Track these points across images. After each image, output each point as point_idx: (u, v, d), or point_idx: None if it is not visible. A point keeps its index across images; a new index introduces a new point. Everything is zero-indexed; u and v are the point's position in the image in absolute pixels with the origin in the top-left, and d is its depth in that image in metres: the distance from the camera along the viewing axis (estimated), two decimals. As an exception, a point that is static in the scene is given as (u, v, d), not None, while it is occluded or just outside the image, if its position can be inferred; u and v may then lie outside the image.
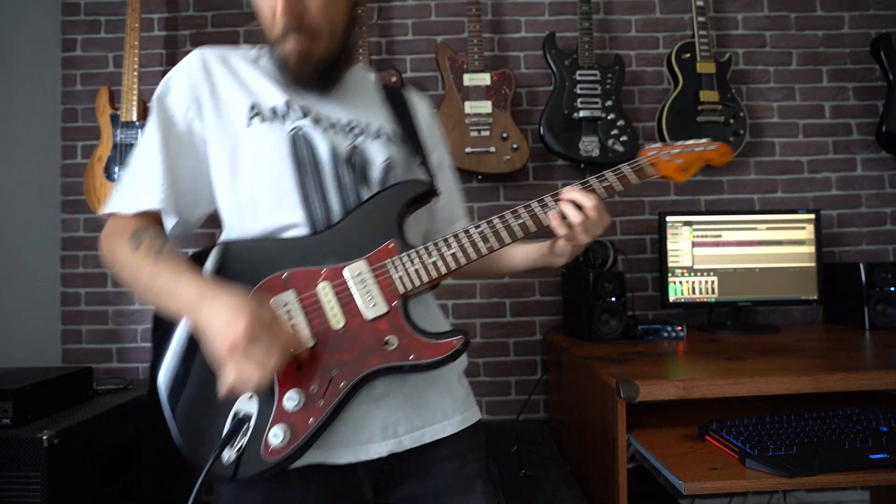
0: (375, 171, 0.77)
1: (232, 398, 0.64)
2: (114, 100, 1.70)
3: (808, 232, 1.63)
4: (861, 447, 0.95)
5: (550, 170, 1.83)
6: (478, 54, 1.68)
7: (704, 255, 1.62)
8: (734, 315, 1.64)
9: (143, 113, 1.70)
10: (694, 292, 1.62)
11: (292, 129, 0.74)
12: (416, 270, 0.71)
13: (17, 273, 1.61)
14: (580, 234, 0.77)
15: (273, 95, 0.76)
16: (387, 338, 0.68)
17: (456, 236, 0.74)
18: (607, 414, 1.10)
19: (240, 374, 0.57)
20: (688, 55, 1.73)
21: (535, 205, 0.76)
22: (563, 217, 0.76)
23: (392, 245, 0.72)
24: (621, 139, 1.68)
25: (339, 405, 0.65)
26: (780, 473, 0.90)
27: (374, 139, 0.80)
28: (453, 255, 0.73)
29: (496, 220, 0.75)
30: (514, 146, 1.66)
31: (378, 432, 0.71)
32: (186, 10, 1.84)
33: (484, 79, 1.68)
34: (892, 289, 1.56)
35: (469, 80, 1.67)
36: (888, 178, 1.84)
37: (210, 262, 0.69)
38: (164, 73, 1.80)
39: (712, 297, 1.62)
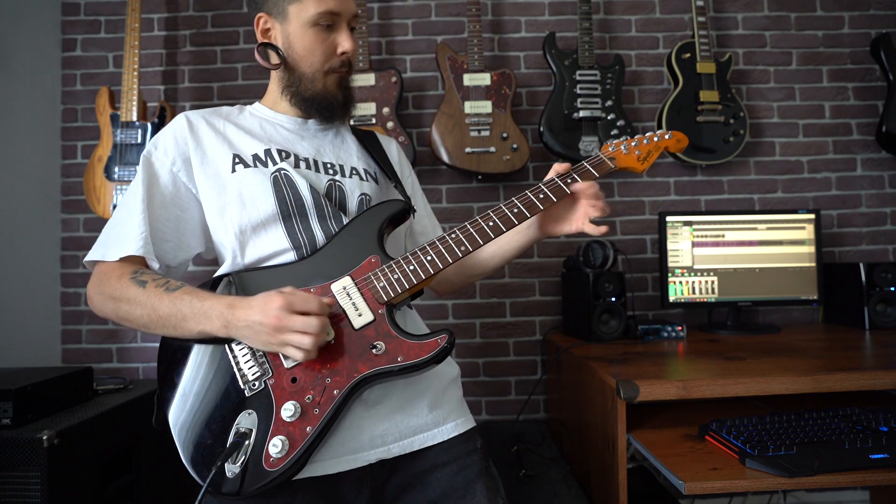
0: (352, 205, 0.85)
1: (233, 417, 0.68)
2: (114, 100, 1.70)
3: (808, 232, 1.63)
4: (861, 447, 0.95)
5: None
6: (478, 54, 1.68)
7: (704, 255, 1.62)
8: (734, 315, 1.64)
9: (143, 113, 1.70)
10: (694, 292, 1.62)
11: (274, 171, 0.81)
12: (398, 279, 0.75)
13: (17, 273, 1.61)
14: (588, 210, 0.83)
15: (252, 146, 0.83)
16: (374, 343, 0.71)
17: (432, 244, 0.78)
18: (607, 414, 1.10)
19: (295, 343, 0.64)
20: (688, 55, 1.73)
21: (503, 207, 0.81)
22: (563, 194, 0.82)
23: (374, 259, 0.77)
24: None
25: (334, 413, 0.68)
26: (780, 473, 0.90)
27: (350, 177, 0.88)
28: (430, 260, 0.76)
29: (468, 225, 0.79)
30: (514, 146, 1.66)
31: (366, 442, 0.74)
32: (186, 10, 1.84)
33: (484, 79, 1.68)
34: (892, 289, 1.56)
35: (469, 80, 1.67)
36: (888, 178, 1.84)
37: (217, 291, 0.76)
38: (164, 72, 1.83)
39: (712, 297, 1.62)
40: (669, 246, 1.62)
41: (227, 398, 0.70)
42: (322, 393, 0.68)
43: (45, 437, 1.06)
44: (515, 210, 0.80)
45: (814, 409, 1.11)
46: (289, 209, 0.79)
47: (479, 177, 1.74)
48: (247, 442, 0.66)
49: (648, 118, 1.82)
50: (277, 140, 0.86)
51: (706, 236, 1.63)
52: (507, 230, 0.79)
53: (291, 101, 0.88)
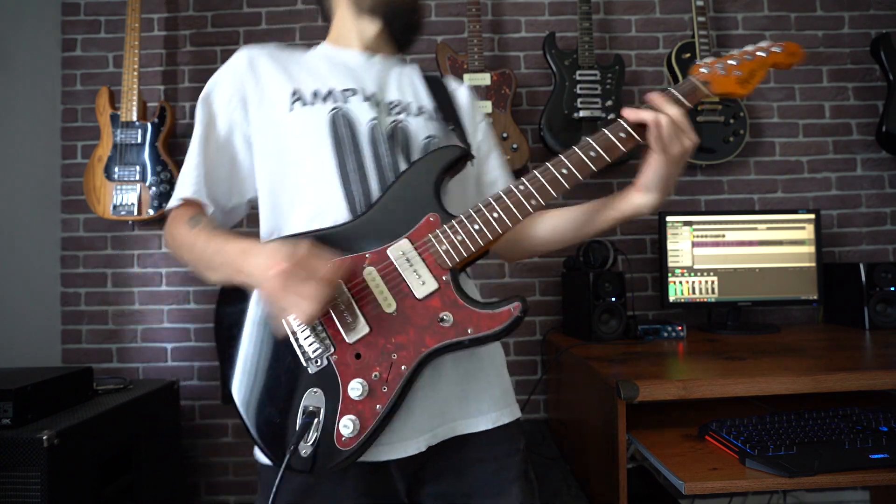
0: (417, 148, 0.78)
1: (300, 395, 0.65)
2: (114, 100, 1.70)
3: (807, 232, 1.63)
4: (861, 447, 0.95)
5: (550, 170, 1.83)
6: (478, 54, 1.68)
7: (704, 255, 1.62)
8: (734, 315, 1.64)
9: (143, 113, 1.70)
10: (694, 292, 1.62)
11: (333, 109, 0.76)
12: (462, 241, 0.68)
13: (17, 273, 1.61)
14: (671, 143, 0.69)
15: (313, 82, 0.78)
16: (441, 315, 0.66)
17: (498, 198, 0.70)
18: (607, 414, 1.10)
19: (289, 303, 0.60)
20: (688, 55, 1.73)
21: (578, 150, 0.70)
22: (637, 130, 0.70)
23: (433, 218, 0.69)
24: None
25: (403, 389, 0.65)
26: (780, 473, 0.90)
27: (416, 116, 0.81)
28: (497, 218, 0.69)
29: (538, 174, 0.70)
30: (514, 146, 1.66)
31: (417, 428, 0.70)
32: (186, 10, 1.84)
33: (484, 79, 1.67)
34: (892, 289, 1.56)
35: (469, 80, 1.67)
36: (888, 178, 1.84)
37: None
38: (165, 73, 1.83)
39: (712, 297, 1.62)
40: (669, 246, 1.62)
41: (291, 376, 0.67)
42: (389, 369, 0.64)
43: (45, 437, 1.06)
44: (593, 154, 0.69)
45: (814, 409, 1.11)
46: (344, 155, 0.74)
47: (479, 177, 1.74)
48: (316, 420, 0.64)
49: (648, 118, 1.82)
50: (341, 76, 0.80)
51: (706, 236, 1.63)
52: (583, 177, 0.69)
53: (367, 9, 0.82)
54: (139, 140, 1.67)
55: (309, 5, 1.84)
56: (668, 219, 1.62)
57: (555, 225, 0.86)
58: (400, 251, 0.68)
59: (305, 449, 0.63)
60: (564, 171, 0.70)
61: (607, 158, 0.70)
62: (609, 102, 1.68)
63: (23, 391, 1.13)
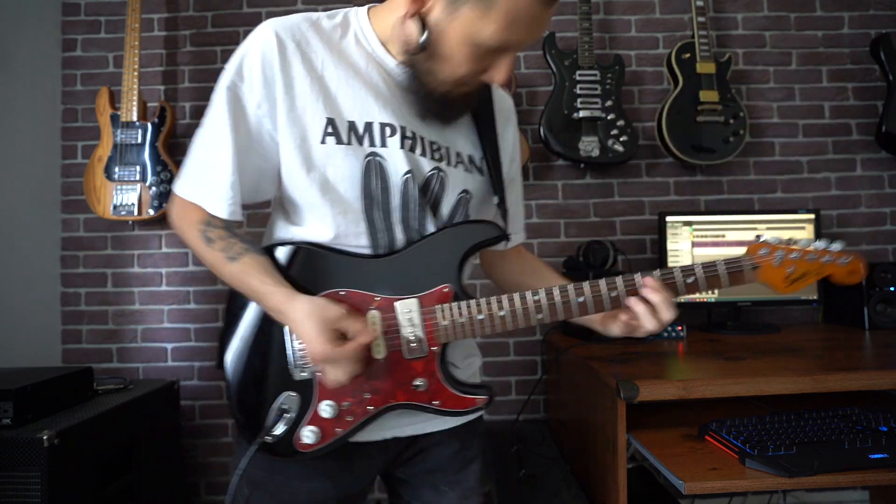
0: (448, 204, 0.75)
1: (278, 392, 0.71)
2: (114, 100, 1.70)
3: (807, 232, 1.63)
4: (861, 447, 0.95)
5: (550, 170, 1.83)
6: (478, 54, 1.68)
7: (704, 255, 1.62)
8: (734, 315, 1.64)
9: (143, 113, 1.70)
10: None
11: (368, 155, 0.70)
12: (463, 325, 0.70)
13: (17, 273, 1.61)
14: (647, 325, 0.70)
15: (352, 108, 0.70)
16: (418, 381, 0.71)
17: (511, 299, 0.71)
18: (607, 414, 1.10)
19: (332, 376, 0.67)
20: (688, 55, 1.72)
21: (602, 285, 0.70)
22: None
23: (447, 289, 0.71)
24: (621, 139, 1.68)
25: (363, 424, 0.71)
26: (780, 473, 0.90)
27: (455, 166, 0.76)
28: (502, 318, 0.71)
29: (556, 292, 0.70)
30: (514, 146, 1.66)
31: (384, 427, 0.75)
32: (186, 10, 1.84)
33: (484, 79, 1.67)
34: (892, 289, 1.56)
35: (469, 80, 1.67)
36: (888, 178, 1.84)
37: (281, 259, 0.74)
38: (165, 73, 1.83)
39: (712, 297, 1.62)
40: (669, 246, 1.62)
41: (277, 373, 0.72)
42: (359, 404, 0.70)
43: (45, 437, 1.06)
44: (614, 294, 0.70)
45: (814, 409, 1.11)
46: (372, 203, 0.71)
47: (479, 177, 1.74)
48: (286, 416, 0.70)
49: (648, 118, 1.82)
50: (381, 101, 0.71)
51: (706, 236, 1.63)
52: (595, 313, 0.71)
53: (405, 77, 0.71)
54: (139, 140, 1.67)
55: (309, 5, 1.84)
56: (668, 219, 1.62)
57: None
58: (407, 308, 0.70)
59: (271, 437, 0.70)
60: (581, 299, 0.70)
61: (623, 304, 0.70)
62: (609, 102, 1.68)
63: (23, 391, 1.13)
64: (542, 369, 1.79)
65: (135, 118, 1.66)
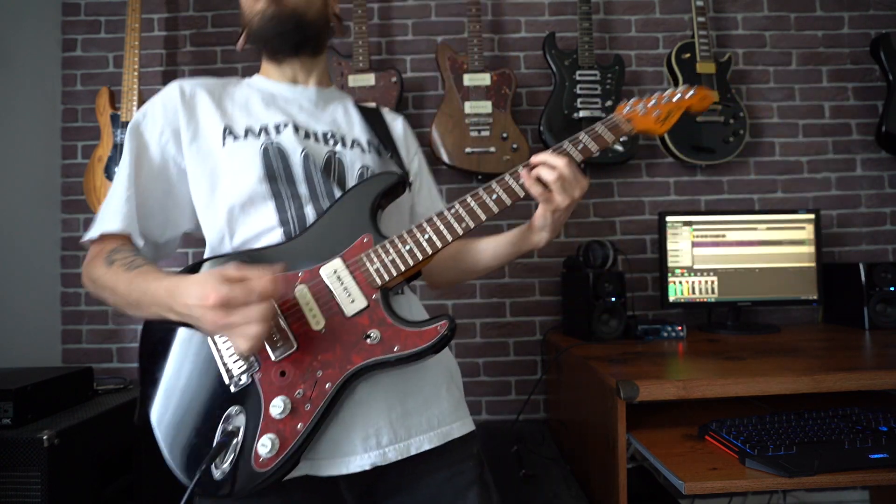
0: (352, 178, 0.80)
1: (220, 415, 0.64)
2: (114, 100, 1.70)
3: (807, 232, 1.63)
4: (861, 447, 0.95)
5: (550, 170, 1.83)
6: (478, 54, 1.68)
7: (704, 255, 1.62)
8: (734, 315, 1.64)
9: (143, 113, 1.70)
10: (694, 292, 1.62)
11: (265, 142, 0.77)
12: (392, 260, 0.70)
13: (17, 273, 1.61)
14: (557, 195, 0.74)
15: (245, 119, 0.79)
16: (369, 332, 0.66)
17: (430, 220, 0.72)
18: (607, 414, 1.10)
19: (235, 332, 0.56)
20: (688, 55, 1.73)
21: (507, 177, 0.75)
22: (538, 180, 0.75)
23: (366, 239, 0.71)
24: (621, 139, 1.67)
25: (326, 408, 0.64)
26: (780, 473, 0.90)
27: (351, 148, 0.83)
28: (428, 239, 0.71)
29: (469, 199, 0.74)
30: (514, 146, 1.66)
31: (359, 444, 0.69)
32: (186, 10, 1.84)
33: (484, 79, 1.68)
34: (892, 289, 1.56)
35: (469, 80, 1.67)
36: (888, 178, 1.84)
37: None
38: (165, 73, 1.83)
39: (712, 297, 1.62)
40: (669, 246, 1.62)
41: (213, 395, 0.65)
42: (313, 387, 0.64)
43: (45, 437, 1.07)
44: (520, 181, 0.74)
45: (814, 409, 1.11)
46: (278, 184, 0.75)
47: (479, 177, 1.74)
48: (235, 440, 0.62)
49: (648, 118, 1.82)
50: (274, 110, 0.81)
51: (706, 236, 1.63)
52: (511, 202, 0.74)
53: (268, 51, 0.84)
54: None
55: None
56: (668, 219, 1.62)
57: (494, 249, 0.90)
58: (332, 269, 0.69)
59: (221, 470, 0.62)
60: (494, 196, 0.73)
61: (517, 194, 0.75)
62: (609, 102, 1.68)
63: (23, 391, 1.13)
64: (541, 369, 1.79)
65: (135, 118, 1.66)
